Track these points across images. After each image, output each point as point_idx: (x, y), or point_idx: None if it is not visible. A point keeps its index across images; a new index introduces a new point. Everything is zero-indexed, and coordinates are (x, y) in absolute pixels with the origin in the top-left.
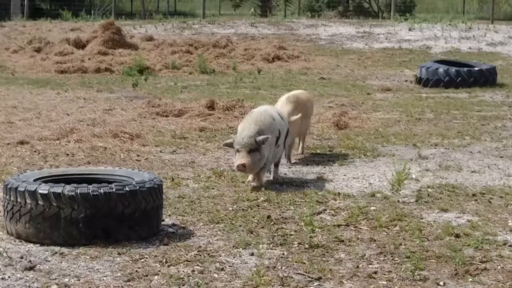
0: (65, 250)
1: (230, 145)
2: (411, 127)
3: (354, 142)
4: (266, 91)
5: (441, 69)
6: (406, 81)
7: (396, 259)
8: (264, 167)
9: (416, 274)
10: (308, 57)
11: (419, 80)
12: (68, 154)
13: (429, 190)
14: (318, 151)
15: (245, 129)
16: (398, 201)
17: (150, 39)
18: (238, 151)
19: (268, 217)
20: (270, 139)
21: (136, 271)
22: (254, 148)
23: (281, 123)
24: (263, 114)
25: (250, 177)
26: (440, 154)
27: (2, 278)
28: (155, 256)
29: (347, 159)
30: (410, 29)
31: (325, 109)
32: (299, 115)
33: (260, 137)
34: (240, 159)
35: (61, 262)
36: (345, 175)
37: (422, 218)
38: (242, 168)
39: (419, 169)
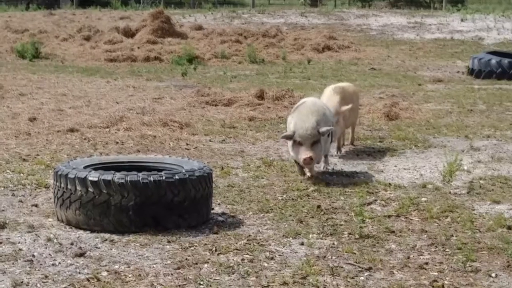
0: (115, 237)
1: (290, 137)
2: (463, 118)
3: (405, 133)
4: (316, 81)
5: (494, 60)
6: (458, 72)
7: (447, 250)
8: None
9: (467, 265)
10: (359, 48)
11: (471, 71)
12: (117, 142)
13: (481, 181)
14: (369, 141)
15: (304, 121)
16: (450, 193)
17: (199, 28)
18: (299, 143)
19: (318, 207)
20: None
21: (186, 259)
22: (316, 140)
23: (331, 113)
24: (316, 105)
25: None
26: (493, 145)
27: (53, 264)
28: (205, 244)
29: (398, 150)
30: (462, 20)
31: (375, 100)
32: (349, 105)
33: (324, 129)
34: (306, 152)
35: (111, 249)
36: (395, 166)
37: (473, 210)
38: (310, 161)
39: (471, 161)
